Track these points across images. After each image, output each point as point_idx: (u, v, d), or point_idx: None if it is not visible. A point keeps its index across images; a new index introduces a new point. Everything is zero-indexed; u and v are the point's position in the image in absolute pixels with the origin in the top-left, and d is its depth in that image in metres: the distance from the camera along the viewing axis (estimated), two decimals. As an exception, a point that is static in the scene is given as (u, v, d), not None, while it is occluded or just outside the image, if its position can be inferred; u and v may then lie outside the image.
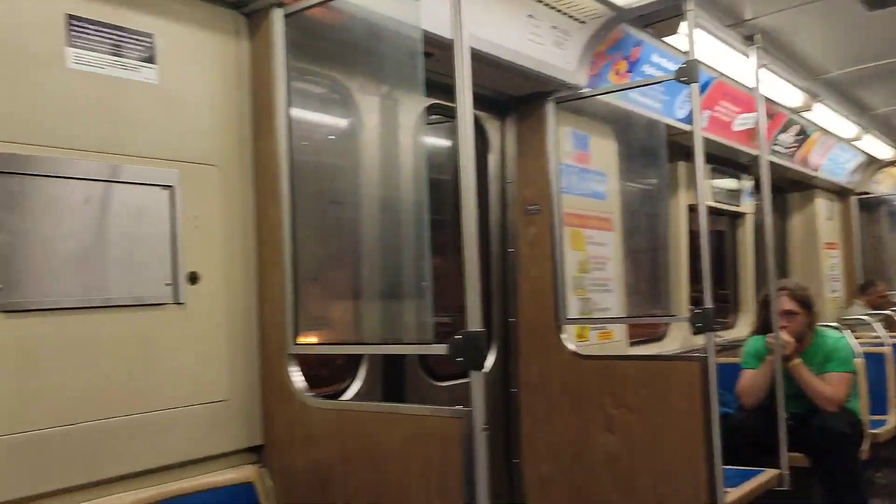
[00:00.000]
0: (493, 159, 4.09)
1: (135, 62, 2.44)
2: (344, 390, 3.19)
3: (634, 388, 3.53)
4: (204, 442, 2.53)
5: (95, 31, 2.35)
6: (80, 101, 2.31)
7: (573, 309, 4.00)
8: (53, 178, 2.24)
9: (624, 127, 4.48)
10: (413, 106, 3.42)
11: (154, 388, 2.41)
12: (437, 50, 2.52)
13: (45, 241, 2.21)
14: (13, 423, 2.09)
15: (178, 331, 2.49)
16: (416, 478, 2.30)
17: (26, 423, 2.12)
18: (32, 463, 2.13)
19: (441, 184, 3.67)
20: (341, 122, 3.35)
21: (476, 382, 2.12)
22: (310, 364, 2.79)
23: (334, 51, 3.11)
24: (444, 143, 3.97)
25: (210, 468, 2.54)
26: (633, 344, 4.81)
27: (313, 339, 2.78)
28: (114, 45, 2.39)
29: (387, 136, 3.35)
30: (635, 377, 3.56)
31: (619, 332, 4.52)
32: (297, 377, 2.60)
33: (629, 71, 4.30)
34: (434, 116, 3.73)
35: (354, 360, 3.28)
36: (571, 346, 3.84)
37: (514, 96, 4.03)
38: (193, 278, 2.53)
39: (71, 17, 2.29)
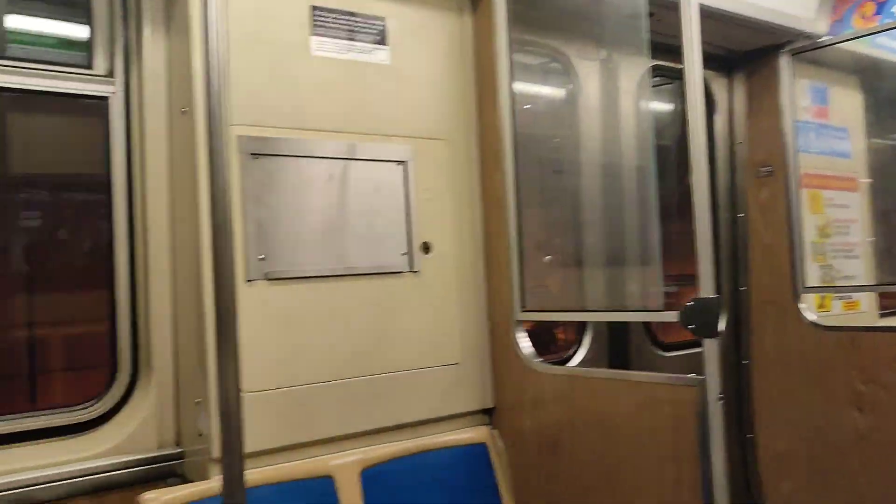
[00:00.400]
0: (719, 120, 3.89)
1: (369, 45, 2.60)
2: (569, 358, 3.22)
3: (888, 363, 3.22)
4: (439, 403, 2.67)
5: (334, 19, 2.53)
6: (323, 85, 2.50)
7: (812, 277, 3.72)
8: (302, 158, 2.46)
9: (871, 76, 4.06)
10: (634, 69, 3.34)
11: (394, 351, 2.58)
12: (659, 9, 2.43)
13: (296, 216, 2.43)
14: (281, 378, 2.34)
15: (414, 298, 2.64)
16: (647, 445, 2.28)
17: (291, 378, 2.36)
18: (295, 415, 2.36)
19: (659, 149, 3.55)
20: (561, 91, 3.35)
21: (710, 350, 2.06)
22: (532, 331, 2.84)
23: (553, 19, 3.10)
24: (664, 106, 3.83)
25: (445, 428, 2.68)
26: (883, 315, 4.39)
27: (539, 307, 2.82)
28: (350, 31, 2.56)
29: (608, 102, 3.30)
30: (889, 351, 3.24)
31: (867, 301, 4.14)
32: (524, 343, 2.67)
33: (877, 13, 3.88)
34: (654, 79, 3.61)
35: (578, 328, 3.29)
36: (811, 317, 3.58)
37: (743, 51, 3.79)
38: (426, 248, 2.67)
39: (314, 7, 2.48)
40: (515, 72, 2.79)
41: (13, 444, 2.22)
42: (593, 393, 2.46)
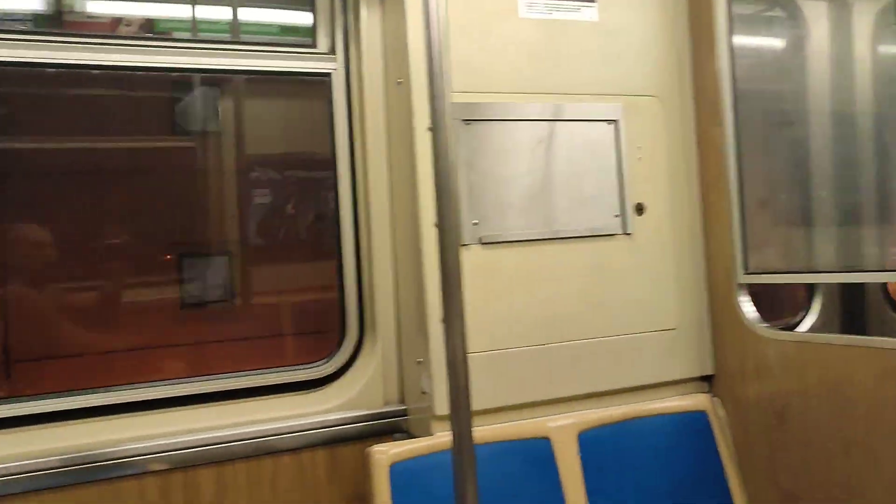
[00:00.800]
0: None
1: (576, 3, 2.55)
2: (796, 323, 3.00)
3: None
4: (654, 368, 2.60)
5: (541, -22, 2.50)
6: (530, 47, 2.49)
7: None
8: (511, 122, 2.46)
9: None
10: (870, 6, 3.01)
11: (606, 315, 2.54)
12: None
13: (506, 180, 2.45)
14: (497, 340, 2.39)
15: (627, 261, 2.58)
16: (892, 418, 2.08)
17: (506, 340, 2.41)
18: (510, 376, 2.41)
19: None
20: (786, 37, 3.09)
21: (973, 315, 1.84)
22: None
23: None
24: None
25: (661, 394, 2.61)
26: None
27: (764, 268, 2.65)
28: (557, -10, 2.53)
29: (840, 46, 3.00)
30: None
31: None
32: (748, 307, 2.53)
33: None
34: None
35: (806, 292, 3.06)
36: None
37: None
38: (639, 209, 2.60)
39: (524, -31, 2.47)
40: (734, 21, 2.61)
41: (257, 397, 2.45)
42: (827, 360, 2.27)
